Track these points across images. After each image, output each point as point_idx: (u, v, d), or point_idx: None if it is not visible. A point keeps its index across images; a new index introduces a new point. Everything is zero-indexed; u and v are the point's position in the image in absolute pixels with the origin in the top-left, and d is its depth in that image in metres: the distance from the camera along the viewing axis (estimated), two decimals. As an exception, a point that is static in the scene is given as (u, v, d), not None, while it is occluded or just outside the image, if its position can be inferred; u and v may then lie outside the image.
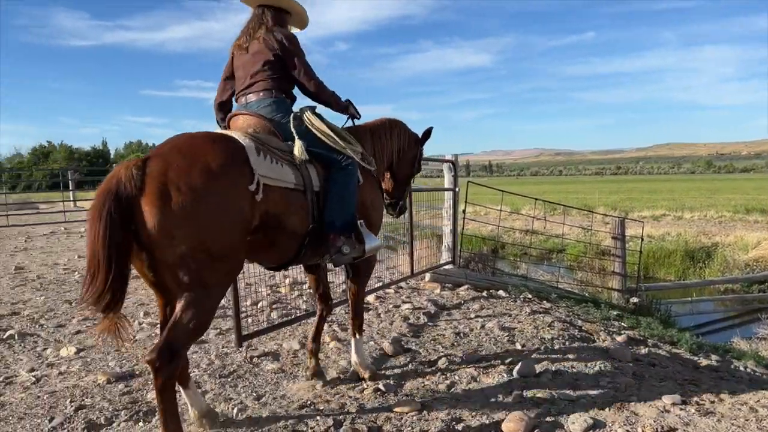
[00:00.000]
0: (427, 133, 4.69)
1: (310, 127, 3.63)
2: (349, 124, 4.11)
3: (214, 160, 2.84)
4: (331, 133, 3.63)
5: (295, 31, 4.02)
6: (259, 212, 3.02)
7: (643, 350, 5.41)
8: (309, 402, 3.76)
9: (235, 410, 3.62)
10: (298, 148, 3.44)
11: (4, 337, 5.36)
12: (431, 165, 9.07)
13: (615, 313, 7.60)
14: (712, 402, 3.81)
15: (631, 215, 23.73)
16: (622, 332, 6.06)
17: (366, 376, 4.14)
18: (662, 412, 3.57)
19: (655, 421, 3.40)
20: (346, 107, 3.95)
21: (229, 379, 4.19)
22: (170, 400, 2.82)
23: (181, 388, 3.27)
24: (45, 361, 4.73)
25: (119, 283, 2.65)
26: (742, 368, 5.48)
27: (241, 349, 4.86)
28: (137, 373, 4.33)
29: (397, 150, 4.46)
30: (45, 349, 5.05)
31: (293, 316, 5.48)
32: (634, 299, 9.40)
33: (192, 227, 2.68)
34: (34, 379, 4.31)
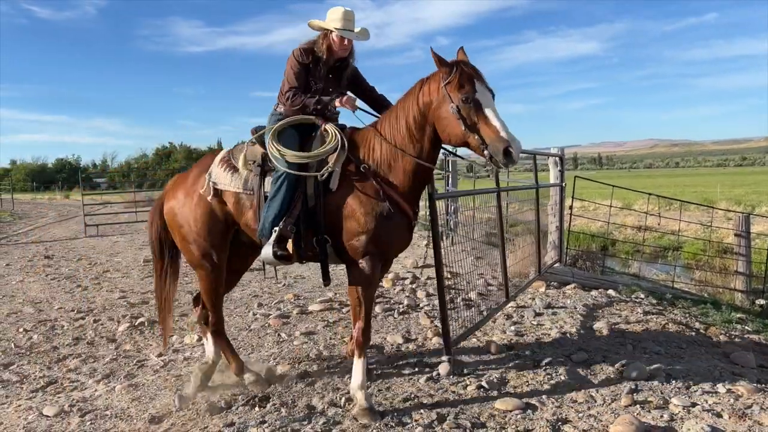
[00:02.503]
0: (440, 61, 3.43)
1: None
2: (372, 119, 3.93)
3: (191, 171, 4.14)
4: (268, 144, 3.74)
5: (360, 41, 3.92)
6: (220, 211, 3.92)
7: (770, 357, 5.02)
8: (413, 395, 3.84)
9: (342, 399, 3.77)
10: (239, 158, 3.87)
11: (136, 324, 5.90)
12: (537, 159, 8.85)
13: (738, 315, 7.08)
14: None
15: (758, 210, 21.89)
16: (746, 336, 5.65)
17: (358, 405, 3.55)
18: (790, 423, 3.31)
19: (781, 433, 3.17)
20: (319, 111, 3.80)
21: (336, 370, 4.37)
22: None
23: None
24: (171, 347, 5.16)
25: (171, 266, 4.23)
26: None
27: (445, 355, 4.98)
28: (252, 361, 4.61)
29: (413, 119, 3.56)
30: (171, 336, 5.49)
31: (490, 310, 5.51)
32: (761, 301, 8.70)
33: (175, 221, 4.03)
34: (162, 363, 4.73)
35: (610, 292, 7.37)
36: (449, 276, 7.88)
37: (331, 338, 5.18)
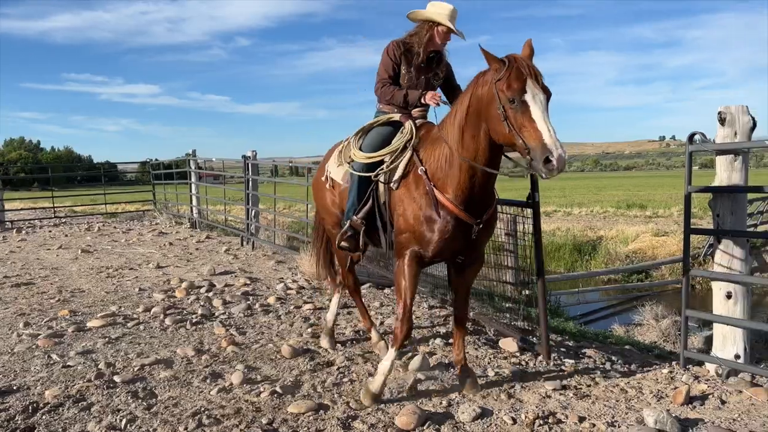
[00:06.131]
0: (490, 58, 3.25)
1: None
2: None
3: (325, 156, 4.76)
4: (351, 144, 4.27)
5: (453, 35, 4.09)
6: (337, 197, 4.42)
7: (531, 340, 5.71)
8: (203, 408, 3.68)
9: (123, 422, 3.48)
10: (341, 155, 4.41)
11: None
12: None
13: (507, 305, 7.96)
14: (589, 386, 4.11)
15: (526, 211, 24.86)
16: (513, 323, 6.37)
17: (365, 386, 3.86)
18: (544, 398, 3.82)
19: (537, 407, 3.63)
20: (410, 102, 4.07)
21: (118, 390, 4.02)
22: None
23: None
24: None
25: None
26: (618, 353, 5.94)
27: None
28: (15, 388, 4.05)
29: (466, 117, 3.45)
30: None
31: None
32: (526, 291, 9.87)
33: (314, 193, 4.98)
34: None
35: (401, 290, 7.81)
36: (248, 282, 7.74)
37: (113, 355, 4.76)
